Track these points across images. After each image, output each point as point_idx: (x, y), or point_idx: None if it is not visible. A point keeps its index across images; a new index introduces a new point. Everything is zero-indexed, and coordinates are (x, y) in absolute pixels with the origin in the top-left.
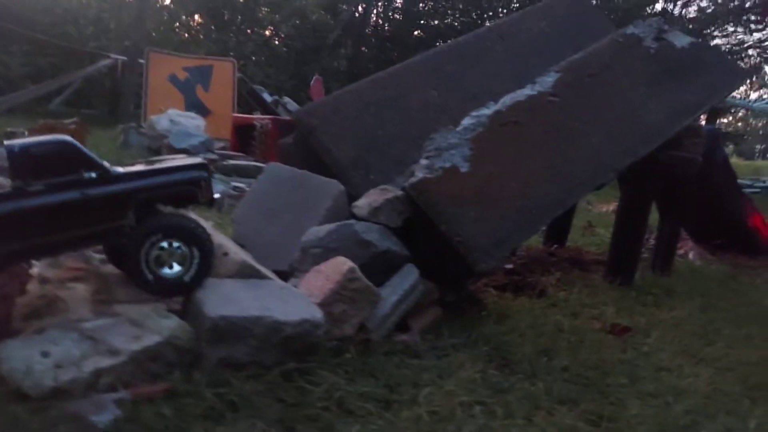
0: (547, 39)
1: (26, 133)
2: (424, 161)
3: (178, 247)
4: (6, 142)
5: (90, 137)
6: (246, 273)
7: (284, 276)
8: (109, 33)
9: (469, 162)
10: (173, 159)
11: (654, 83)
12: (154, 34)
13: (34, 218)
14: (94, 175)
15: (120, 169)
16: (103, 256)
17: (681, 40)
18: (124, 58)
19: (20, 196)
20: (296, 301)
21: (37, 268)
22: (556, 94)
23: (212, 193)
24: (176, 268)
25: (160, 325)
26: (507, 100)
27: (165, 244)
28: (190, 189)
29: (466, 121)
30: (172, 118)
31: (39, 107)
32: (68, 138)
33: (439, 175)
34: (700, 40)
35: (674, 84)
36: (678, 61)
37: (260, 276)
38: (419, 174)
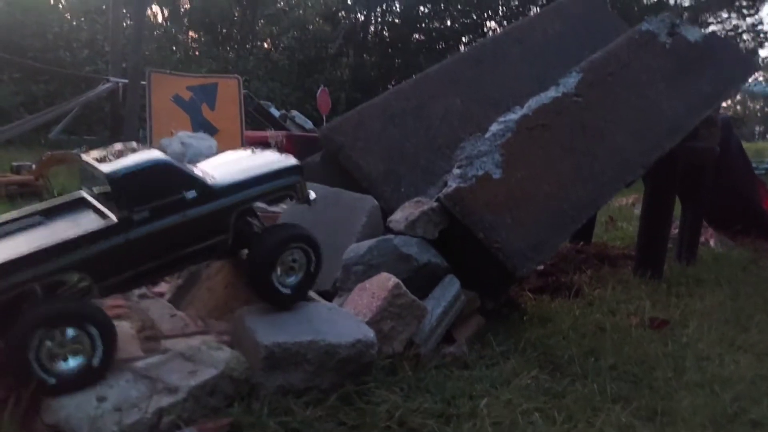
0: (562, 40)
1: (33, 166)
2: (456, 170)
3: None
4: (103, 168)
5: None
6: None
7: (328, 296)
8: (104, 56)
9: (500, 168)
10: (264, 155)
11: (672, 78)
12: (147, 53)
13: (142, 246)
14: (195, 193)
15: (219, 182)
16: (140, 291)
17: (693, 34)
18: (125, 80)
19: (127, 226)
20: (346, 322)
21: None
22: (579, 94)
23: (308, 194)
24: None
25: (213, 357)
26: (532, 103)
27: (297, 256)
28: (287, 194)
29: (494, 127)
30: (183, 140)
31: (38, 137)
32: (165, 157)
33: (473, 183)
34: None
35: (691, 77)
36: (692, 54)
37: (306, 299)
38: (453, 184)
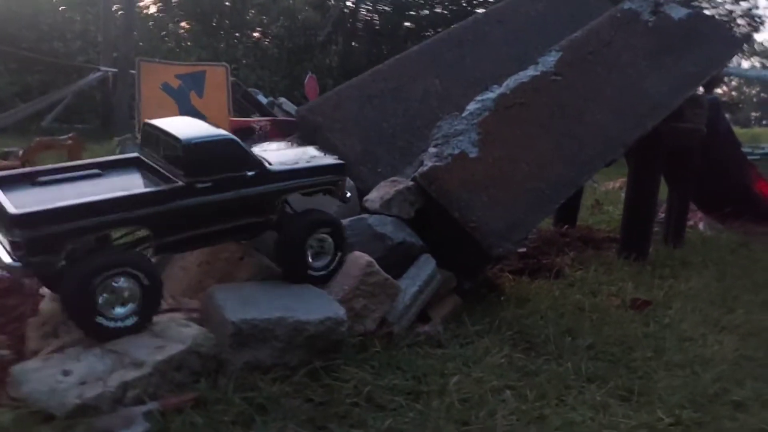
0: (544, 20)
1: (21, 152)
2: (432, 149)
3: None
4: (179, 135)
5: (86, 152)
6: (264, 275)
7: None
8: (96, 46)
9: (477, 147)
10: (308, 150)
11: (654, 56)
12: (141, 43)
13: (199, 213)
14: (253, 173)
15: (275, 167)
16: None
17: (677, 12)
18: (115, 70)
19: (191, 192)
20: (317, 300)
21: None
22: (558, 73)
23: (345, 193)
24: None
25: (181, 333)
26: (511, 82)
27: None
28: (328, 189)
29: (472, 106)
30: None
31: (31, 125)
32: (233, 136)
33: (449, 162)
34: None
35: (674, 56)
36: (676, 33)
37: (279, 277)
38: (428, 163)
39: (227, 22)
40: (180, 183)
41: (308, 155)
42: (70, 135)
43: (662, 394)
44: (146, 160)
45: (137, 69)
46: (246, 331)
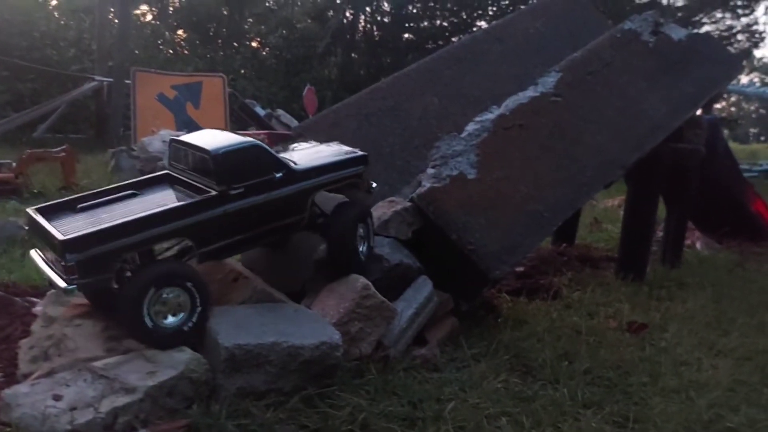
0: (543, 38)
1: (13, 164)
2: (430, 170)
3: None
4: (201, 145)
5: (79, 164)
6: (258, 298)
7: (297, 296)
8: (91, 54)
9: (476, 168)
10: (331, 147)
11: (654, 77)
12: (137, 52)
13: (235, 219)
14: (280, 174)
15: (300, 166)
16: None
17: (677, 33)
18: (110, 79)
19: (225, 200)
20: (312, 324)
21: (40, 306)
22: (558, 94)
23: (370, 184)
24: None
25: (174, 358)
26: (510, 103)
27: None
28: (354, 181)
29: (471, 127)
30: (165, 139)
31: (23, 135)
32: (259, 141)
33: (447, 183)
34: (693, 30)
35: (674, 77)
36: (676, 54)
37: (273, 300)
38: (427, 183)
39: (224, 31)
40: (213, 192)
41: (331, 151)
42: (64, 147)
43: (657, 421)
44: (176, 175)
45: (132, 78)
46: (239, 356)
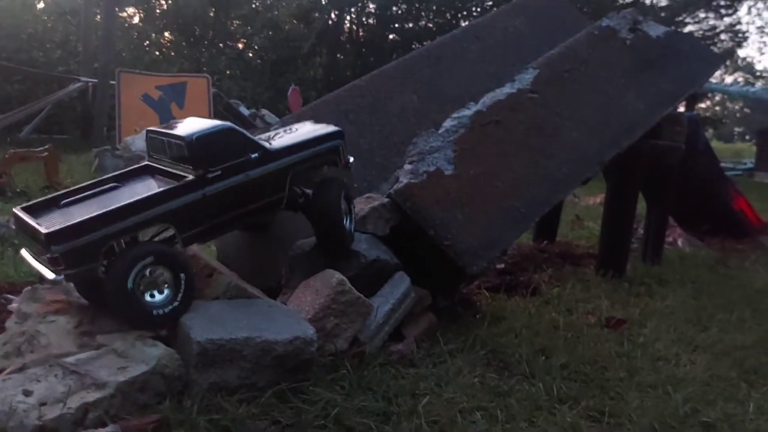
0: (522, 37)
1: None
2: (408, 166)
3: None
4: (176, 132)
5: (63, 164)
6: (232, 293)
7: (273, 292)
8: (77, 56)
9: (453, 164)
10: (307, 125)
11: (632, 74)
12: (124, 54)
13: (215, 201)
14: (257, 155)
15: (275, 146)
16: None
17: (656, 30)
18: (95, 80)
19: (203, 183)
20: (286, 319)
21: (15, 303)
22: (535, 90)
23: (348, 158)
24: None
25: (146, 354)
26: (487, 99)
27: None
28: (332, 157)
29: (448, 123)
30: None
31: (9, 136)
32: (231, 124)
33: (424, 179)
34: (673, 28)
35: (652, 74)
36: (654, 51)
37: (247, 295)
38: (404, 179)
39: (211, 32)
40: (191, 176)
41: (306, 129)
42: (46, 147)
43: (633, 416)
44: (156, 165)
45: (117, 79)
46: (212, 351)
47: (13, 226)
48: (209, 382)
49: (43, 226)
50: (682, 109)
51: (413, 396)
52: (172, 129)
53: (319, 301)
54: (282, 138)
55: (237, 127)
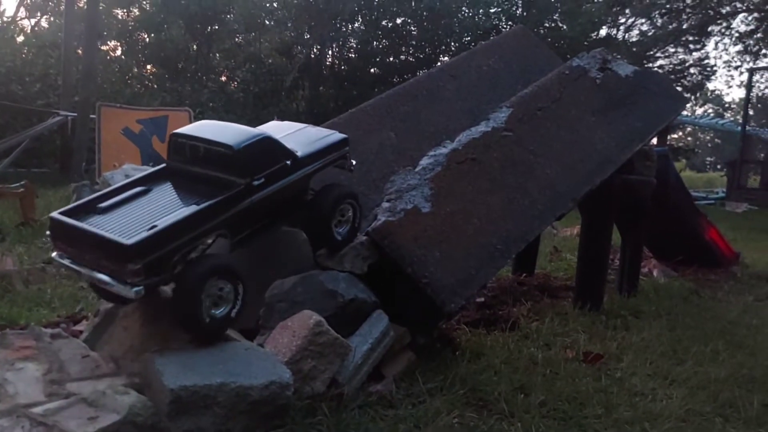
0: (497, 75)
1: None
2: (385, 204)
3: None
4: (227, 141)
5: (40, 199)
6: None
7: (251, 333)
8: (57, 89)
9: (430, 202)
10: (310, 129)
11: (602, 112)
12: (105, 86)
13: (259, 207)
14: (289, 162)
15: (302, 153)
16: (54, 331)
17: (624, 69)
18: (74, 114)
19: (252, 190)
20: (261, 362)
21: None
22: (509, 129)
23: (352, 162)
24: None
25: (117, 402)
26: (463, 137)
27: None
28: (342, 162)
29: (425, 161)
30: (128, 173)
31: None
32: (268, 133)
33: (402, 217)
34: (644, 65)
35: (622, 112)
36: (623, 89)
37: (224, 338)
38: (382, 217)
39: (193, 66)
40: (241, 184)
41: (314, 134)
42: (23, 183)
43: None
44: (179, 168)
45: (97, 113)
46: (185, 398)
47: (48, 233)
48: (183, 430)
49: (121, 235)
50: (654, 141)
51: None
52: (208, 134)
53: (296, 342)
54: (296, 141)
55: (273, 136)
